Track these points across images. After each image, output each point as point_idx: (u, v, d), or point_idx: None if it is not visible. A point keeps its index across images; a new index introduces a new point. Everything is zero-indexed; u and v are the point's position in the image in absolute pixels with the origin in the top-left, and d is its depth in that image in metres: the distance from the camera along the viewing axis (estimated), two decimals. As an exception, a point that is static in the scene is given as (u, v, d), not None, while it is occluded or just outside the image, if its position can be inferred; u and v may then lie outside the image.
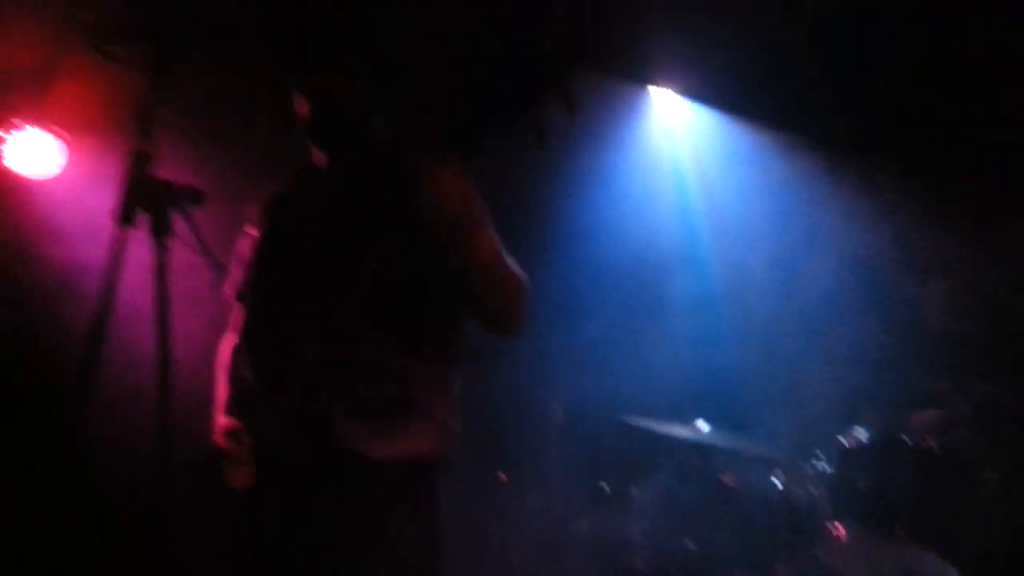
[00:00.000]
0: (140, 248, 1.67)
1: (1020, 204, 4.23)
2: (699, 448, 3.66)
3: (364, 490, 1.96)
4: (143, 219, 1.67)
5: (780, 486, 3.38)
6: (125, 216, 1.64)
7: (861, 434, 3.27)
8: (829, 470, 3.27)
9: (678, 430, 3.60)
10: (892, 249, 4.51)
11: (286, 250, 2.12)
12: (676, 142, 5.03)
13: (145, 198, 1.64)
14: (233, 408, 2.18)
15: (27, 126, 3.79)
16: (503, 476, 3.83)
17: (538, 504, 3.79)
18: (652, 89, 4.92)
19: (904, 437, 3.20)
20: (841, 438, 3.28)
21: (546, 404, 3.94)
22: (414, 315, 2.01)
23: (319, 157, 2.11)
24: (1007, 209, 4.25)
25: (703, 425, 3.63)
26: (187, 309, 2.13)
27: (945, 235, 4.35)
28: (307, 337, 1.93)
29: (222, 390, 2.22)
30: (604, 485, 3.90)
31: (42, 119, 3.83)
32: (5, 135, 3.77)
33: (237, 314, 2.20)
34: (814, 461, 3.36)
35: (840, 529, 3.11)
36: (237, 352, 2.19)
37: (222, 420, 2.12)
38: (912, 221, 4.49)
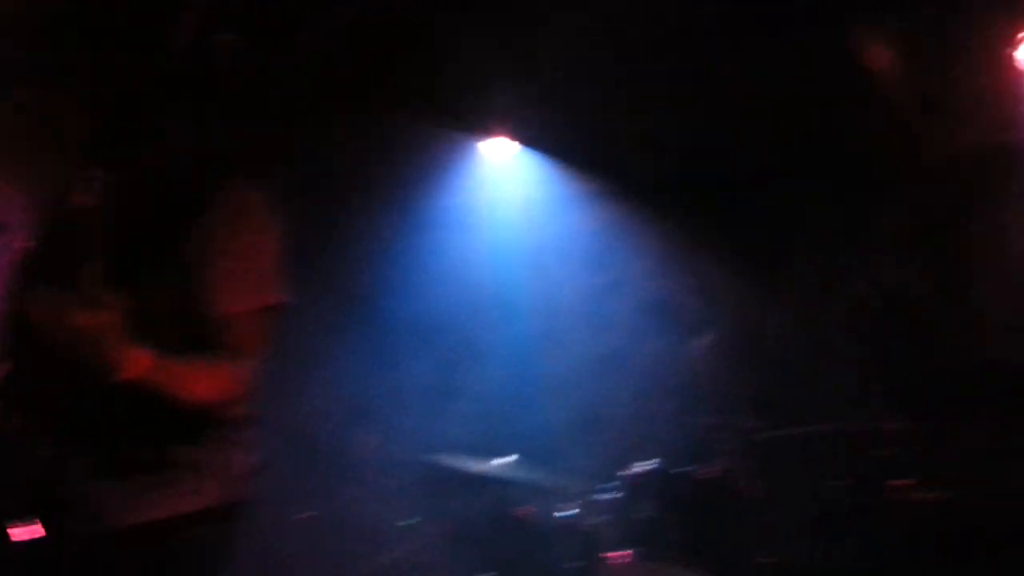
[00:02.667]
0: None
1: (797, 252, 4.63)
2: (500, 482, 3.82)
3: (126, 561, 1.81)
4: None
5: (571, 516, 3.56)
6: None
7: (647, 465, 3.50)
8: (615, 500, 3.48)
9: (482, 466, 3.75)
10: (689, 294, 4.84)
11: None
12: (502, 189, 5.24)
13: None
14: None
15: None
16: (304, 515, 3.88)
17: (340, 541, 3.86)
18: (481, 139, 5.12)
19: (685, 468, 3.45)
20: (629, 469, 3.51)
21: (358, 444, 4.03)
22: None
23: None
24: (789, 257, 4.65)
25: (508, 461, 3.78)
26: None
27: (737, 281, 4.70)
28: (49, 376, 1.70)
29: None
30: (408, 522, 3.99)
31: None
32: None
33: None
34: (605, 493, 3.56)
35: (620, 555, 3.31)
36: None
37: None
38: (708, 268, 4.83)
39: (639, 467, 3.48)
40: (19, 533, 1.81)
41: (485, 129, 5.08)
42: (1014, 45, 4.01)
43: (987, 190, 4.07)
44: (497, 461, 3.76)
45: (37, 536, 1.80)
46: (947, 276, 4.33)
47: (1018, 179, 4.06)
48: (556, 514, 3.58)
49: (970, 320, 4.14)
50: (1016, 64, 4.02)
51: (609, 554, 3.35)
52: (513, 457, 3.78)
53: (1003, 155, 4.10)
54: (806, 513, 3.62)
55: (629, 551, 3.32)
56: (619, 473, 3.48)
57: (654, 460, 3.54)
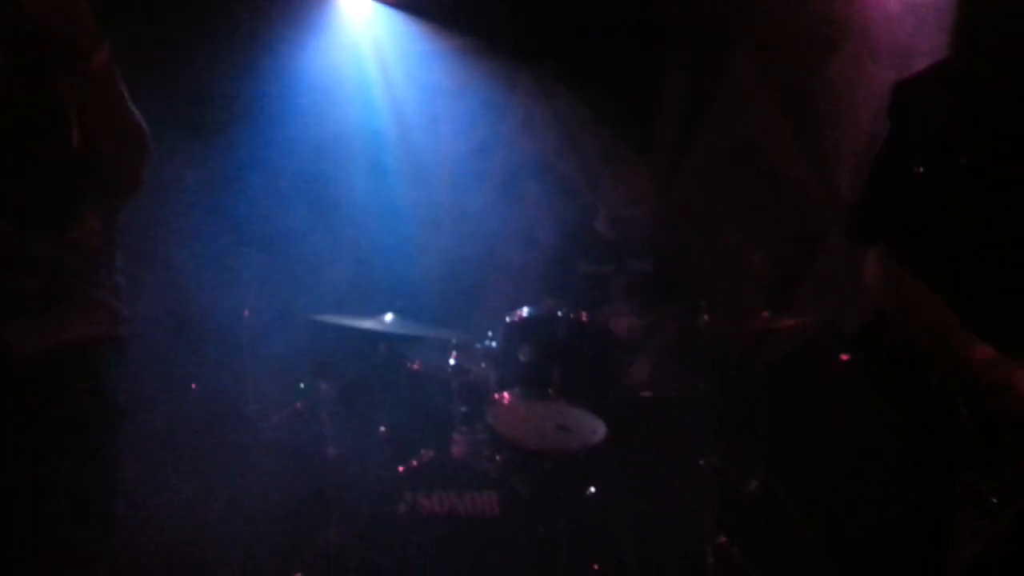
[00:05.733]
0: None
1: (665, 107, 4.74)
2: (385, 338, 3.85)
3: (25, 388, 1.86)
4: None
5: (457, 365, 3.65)
6: None
7: (524, 311, 3.60)
8: (496, 346, 3.58)
9: (365, 323, 3.76)
10: (564, 150, 4.90)
11: None
12: (361, 45, 5.07)
13: None
14: None
15: None
16: (194, 386, 3.83)
17: (232, 408, 3.84)
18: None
19: (559, 311, 3.56)
20: (507, 316, 3.60)
21: (236, 310, 3.95)
22: (50, 189, 1.87)
23: None
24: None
25: (389, 317, 3.81)
26: None
27: (610, 135, 4.79)
28: None
29: None
30: (301, 384, 4.00)
31: None
32: None
33: None
34: (486, 341, 3.66)
35: (505, 396, 3.44)
36: None
37: None
38: (581, 124, 4.89)
39: (519, 312, 3.57)
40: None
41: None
42: None
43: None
44: (379, 317, 3.78)
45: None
46: (799, 126, 4.55)
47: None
48: (443, 364, 3.66)
49: (817, 163, 4.40)
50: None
51: (495, 396, 3.47)
52: (390, 314, 3.80)
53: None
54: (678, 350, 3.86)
55: (511, 392, 3.44)
56: (504, 318, 3.57)
57: (532, 306, 3.64)
